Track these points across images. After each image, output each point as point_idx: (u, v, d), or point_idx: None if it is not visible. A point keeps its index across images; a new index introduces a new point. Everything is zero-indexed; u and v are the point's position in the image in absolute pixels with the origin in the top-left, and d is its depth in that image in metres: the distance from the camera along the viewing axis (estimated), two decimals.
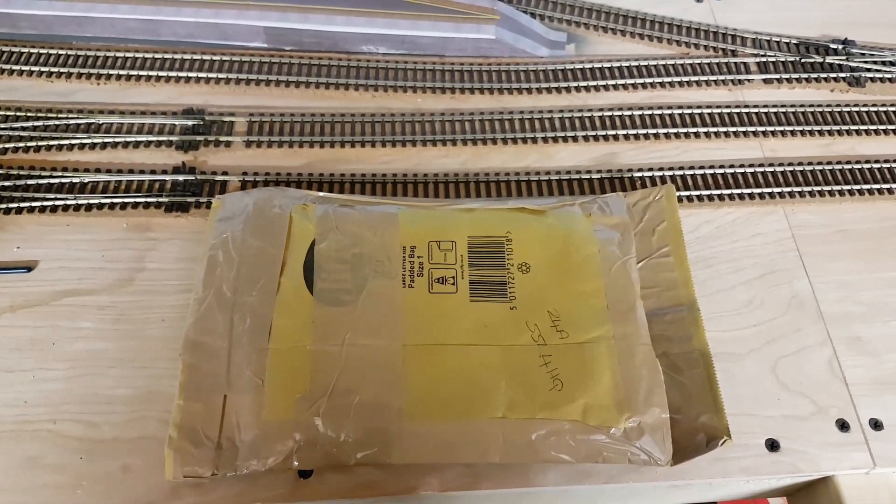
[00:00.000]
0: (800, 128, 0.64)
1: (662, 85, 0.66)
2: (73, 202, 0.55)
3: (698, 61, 0.67)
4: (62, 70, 0.63)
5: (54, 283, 0.52)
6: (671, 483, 0.47)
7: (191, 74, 0.63)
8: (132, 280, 0.52)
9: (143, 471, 0.45)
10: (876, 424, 0.49)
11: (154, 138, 0.59)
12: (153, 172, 0.57)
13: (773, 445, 0.48)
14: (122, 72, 0.63)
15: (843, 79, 0.67)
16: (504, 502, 0.48)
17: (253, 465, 0.43)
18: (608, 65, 0.67)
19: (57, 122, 0.59)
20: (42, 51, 0.64)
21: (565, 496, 0.48)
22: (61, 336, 0.49)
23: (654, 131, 0.62)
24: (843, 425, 0.49)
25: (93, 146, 0.58)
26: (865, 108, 0.66)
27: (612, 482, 0.46)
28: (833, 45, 0.69)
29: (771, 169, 0.61)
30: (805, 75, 0.67)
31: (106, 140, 0.58)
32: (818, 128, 0.64)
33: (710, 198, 0.59)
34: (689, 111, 0.64)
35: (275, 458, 0.43)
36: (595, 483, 0.46)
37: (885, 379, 0.51)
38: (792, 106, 0.65)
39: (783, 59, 0.68)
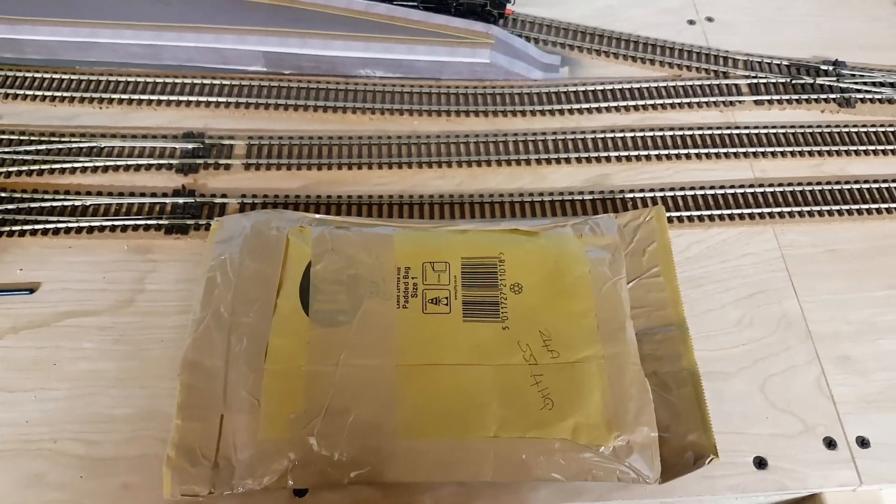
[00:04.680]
0: (790, 148, 0.65)
1: (654, 107, 0.67)
2: (75, 224, 0.56)
3: (690, 83, 0.69)
4: (65, 94, 0.64)
5: (56, 304, 0.53)
6: (660, 500, 0.47)
7: (191, 98, 0.64)
8: (132, 301, 0.53)
9: (142, 489, 0.46)
10: (863, 442, 0.50)
11: (155, 161, 0.60)
12: (154, 195, 0.58)
13: (760, 463, 0.49)
14: (123, 96, 0.64)
15: (834, 100, 0.68)
16: None
17: (249, 484, 0.44)
18: (601, 87, 0.68)
19: (60, 146, 0.61)
20: (46, 75, 0.65)
21: None
22: (63, 356, 0.50)
23: (645, 153, 0.63)
24: (830, 443, 0.50)
25: (94, 169, 0.60)
26: (855, 129, 0.66)
27: (602, 500, 0.47)
28: (824, 67, 0.71)
29: (761, 189, 0.62)
30: (796, 96, 0.68)
31: (108, 163, 0.60)
32: (808, 148, 0.65)
33: (701, 218, 0.60)
34: (681, 132, 0.65)
35: (270, 476, 0.44)
36: (585, 500, 0.47)
37: (871, 397, 0.52)
38: (782, 127, 0.66)
39: (774, 81, 0.69)
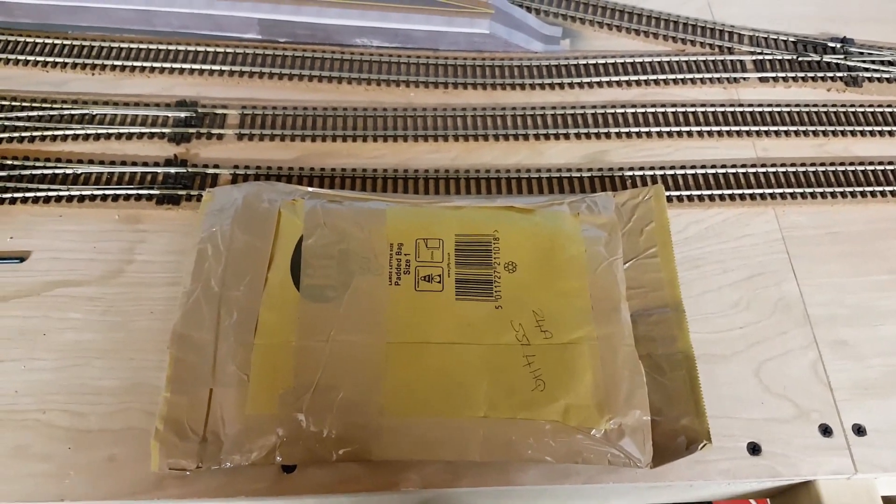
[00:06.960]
0: (794, 128, 0.63)
1: (657, 82, 0.65)
2: (66, 193, 0.55)
3: (694, 58, 0.67)
4: (57, 60, 0.63)
5: (45, 273, 0.52)
6: (651, 484, 0.47)
7: (184, 66, 0.63)
8: (122, 272, 0.52)
9: (128, 461, 0.45)
10: (859, 430, 0.49)
11: (147, 130, 0.59)
12: (145, 164, 0.58)
13: (754, 448, 0.48)
14: (116, 62, 0.63)
15: (841, 78, 0.67)
16: (484, 500, 0.48)
17: (236, 459, 0.44)
18: (602, 61, 0.66)
19: (51, 113, 0.59)
20: (37, 40, 0.64)
21: (545, 495, 0.48)
22: (51, 326, 0.50)
23: (646, 129, 0.62)
24: (825, 430, 0.49)
25: (86, 137, 0.59)
26: (861, 109, 0.65)
27: (592, 482, 0.46)
28: (831, 44, 0.69)
29: (763, 169, 0.60)
30: (802, 74, 0.67)
31: (99, 131, 0.59)
32: (812, 128, 0.63)
33: (701, 198, 0.58)
34: (683, 109, 0.63)
35: (258, 452, 0.44)
36: (574, 483, 0.46)
37: (869, 384, 0.51)
38: (787, 105, 0.65)
39: (780, 58, 0.68)
